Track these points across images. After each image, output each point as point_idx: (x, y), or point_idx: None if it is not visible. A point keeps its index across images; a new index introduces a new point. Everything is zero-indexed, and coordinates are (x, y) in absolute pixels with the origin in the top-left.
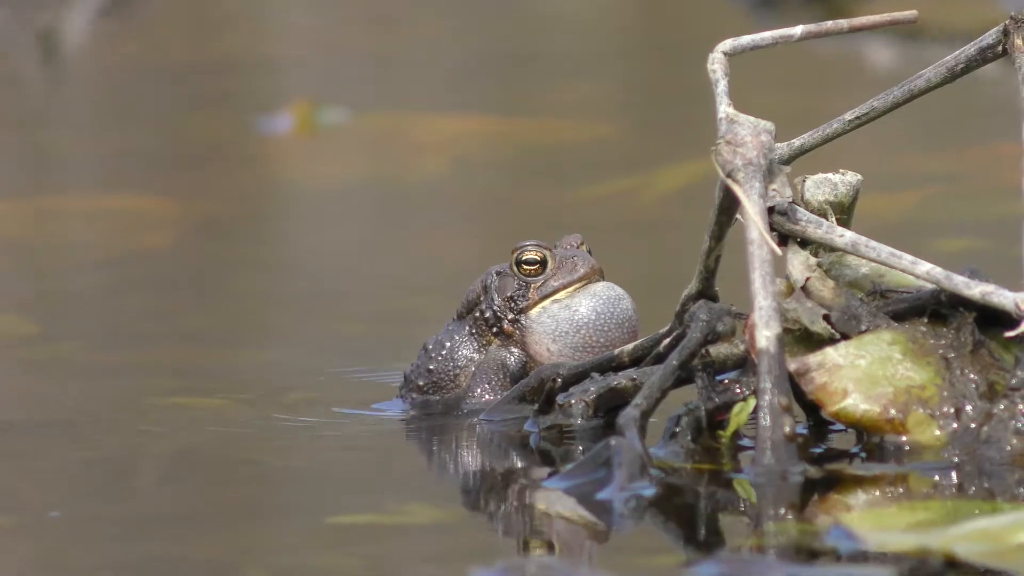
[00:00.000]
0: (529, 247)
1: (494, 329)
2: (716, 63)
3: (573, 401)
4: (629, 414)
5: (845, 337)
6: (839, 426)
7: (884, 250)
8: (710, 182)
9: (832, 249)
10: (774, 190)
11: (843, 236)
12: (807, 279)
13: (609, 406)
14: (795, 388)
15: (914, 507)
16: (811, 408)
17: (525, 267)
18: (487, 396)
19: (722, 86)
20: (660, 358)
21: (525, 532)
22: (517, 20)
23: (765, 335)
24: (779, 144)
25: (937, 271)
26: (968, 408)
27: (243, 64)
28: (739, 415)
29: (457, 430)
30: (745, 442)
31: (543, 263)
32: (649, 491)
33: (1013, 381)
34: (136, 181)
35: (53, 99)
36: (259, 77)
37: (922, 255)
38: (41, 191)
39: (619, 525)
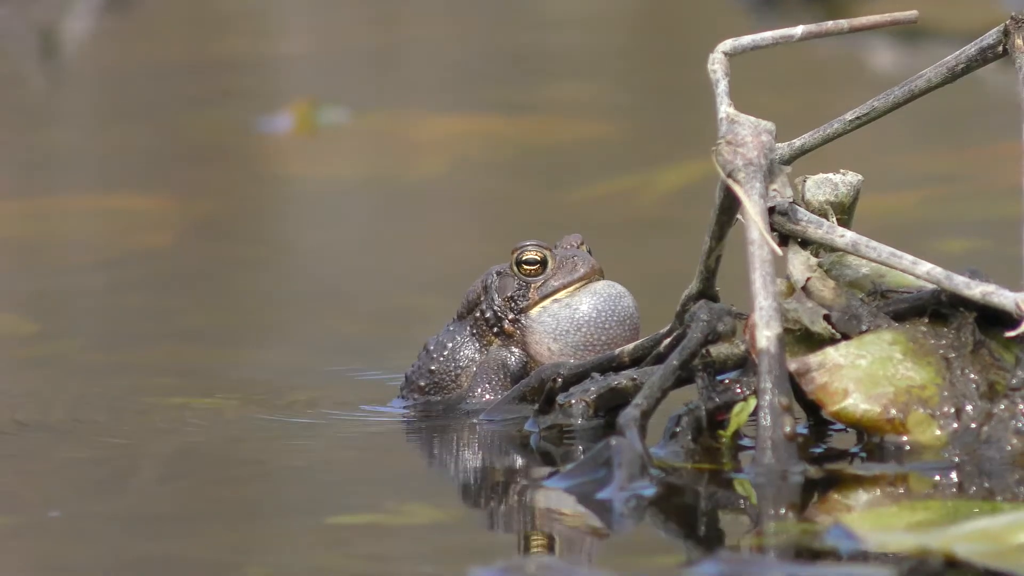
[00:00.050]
0: (529, 247)
1: (495, 329)
2: (716, 63)
3: (573, 401)
4: (629, 414)
5: (846, 337)
6: (839, 426)
7: (885, 250)
8: (710, 182)
9: (833, 249)
10: (775, 190)
11: (844, 236)
12: (808, 279)
13: (609, 406)
14: (795, 388)
15: (914, 507)
16: (811, 408)
17: (525, 267)
18: (488, 396)
19: (723, 86)
20: (660, 358)
21: (525, 532)
22: (517, 20)
23: (766, 335)
24: (780, 144)
25: (937, 271)
26: (968, 408)
27: (243, 63)
28: (739, 415)
29: (457, 430)
30: (745, 442)
31: (543, 263)
32: (649, 491)
33: (1013, 381)
34: (136, 180)
35: (53, 98)
36: (259, 76)
37: (922, 255)
38: (41, 191)
39: (619, 525)
